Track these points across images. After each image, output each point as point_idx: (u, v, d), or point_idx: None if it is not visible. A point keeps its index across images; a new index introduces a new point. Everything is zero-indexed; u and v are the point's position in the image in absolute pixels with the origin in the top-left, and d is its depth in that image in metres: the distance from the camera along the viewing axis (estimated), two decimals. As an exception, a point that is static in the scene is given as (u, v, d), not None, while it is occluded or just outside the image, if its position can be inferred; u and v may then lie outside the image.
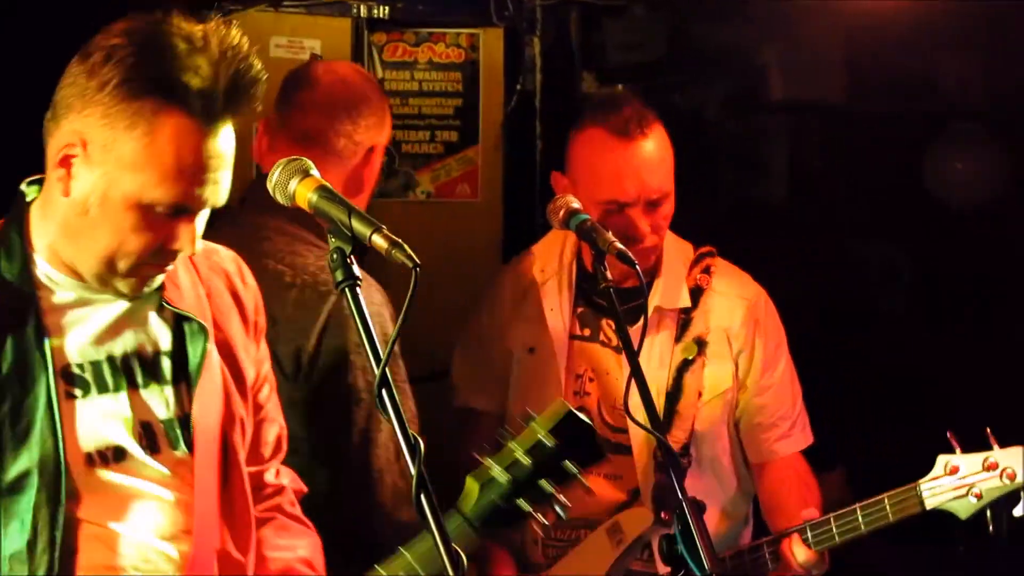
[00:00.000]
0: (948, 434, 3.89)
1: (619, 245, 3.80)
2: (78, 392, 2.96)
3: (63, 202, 2.92)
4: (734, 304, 4.41)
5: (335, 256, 2.74)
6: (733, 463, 4.50)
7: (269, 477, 3.43)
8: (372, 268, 2.98)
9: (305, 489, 3.58)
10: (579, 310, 4.45)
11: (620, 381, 4.31)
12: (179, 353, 3.10)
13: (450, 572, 2.59)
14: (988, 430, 3.85)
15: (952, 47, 5.81)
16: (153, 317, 3.09)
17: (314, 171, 2.83)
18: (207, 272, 3.24)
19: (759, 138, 6.55)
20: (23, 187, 3.06)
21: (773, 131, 6.56)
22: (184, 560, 3.03)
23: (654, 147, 4.26)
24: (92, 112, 2.86)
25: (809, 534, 4.07)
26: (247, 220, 3.80)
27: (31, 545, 2.86)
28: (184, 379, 3.09)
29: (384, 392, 2.64)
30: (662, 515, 4.07)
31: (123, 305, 3.06)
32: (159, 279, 3.03)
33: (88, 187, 2.88)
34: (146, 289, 3.02)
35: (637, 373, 3.69)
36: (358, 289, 2.74)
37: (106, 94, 2.85)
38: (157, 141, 2.85)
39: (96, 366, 3.00)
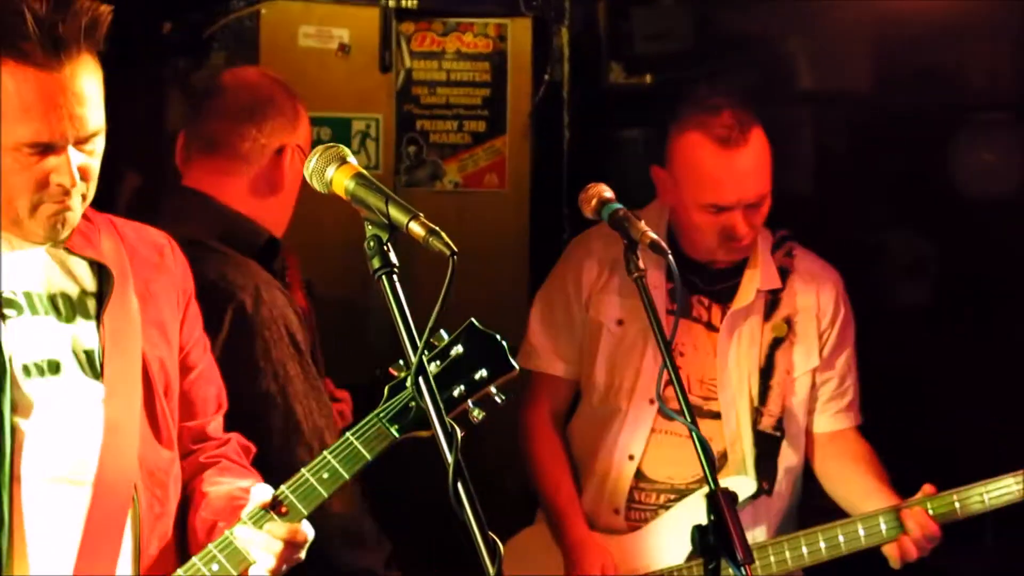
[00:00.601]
0: None
1: (651, 235, 3.71)
2: (12, 313, 3.06)
3: None
4: (819, 285, 4.49)
5: (372, 243, 2.72)
6: (803, 438, 4.56)
7: (213, 430, 3.50)
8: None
9: (254, 449, 3.62)
10: (669, 286, 4.44)
11: (710, 355, 4.44)
12: (101, 287, 3.19)
13: (487, 561, 2.56)
14: None
15: (981, 38, 5.73)
16: (77, 265, 3.18)
17: (351, 158, 2.81)
18: (133, 240, 3.33)
19: (785, 127, 6.26)
20: None
21: (799, 121, 6.50)
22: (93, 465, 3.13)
23: (753, 154, 4.33)
24: None
25: (930, 506, 4.18)
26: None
27: None
28: (97, 314, 3.19)
29: (421, 380, 2.63)
30: (763, 485, 4.22)
31: (44, 254, 3.15)
32: (70, 220, 3.08)
33: None
34: (62, 231, 3.09)
35: (670, 360, 3.55)
36: (395, 277, 2.70)
37: None
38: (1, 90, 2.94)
39: (28, 295, 3.11)
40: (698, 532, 3.33)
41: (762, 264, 4.44)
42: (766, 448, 4.40)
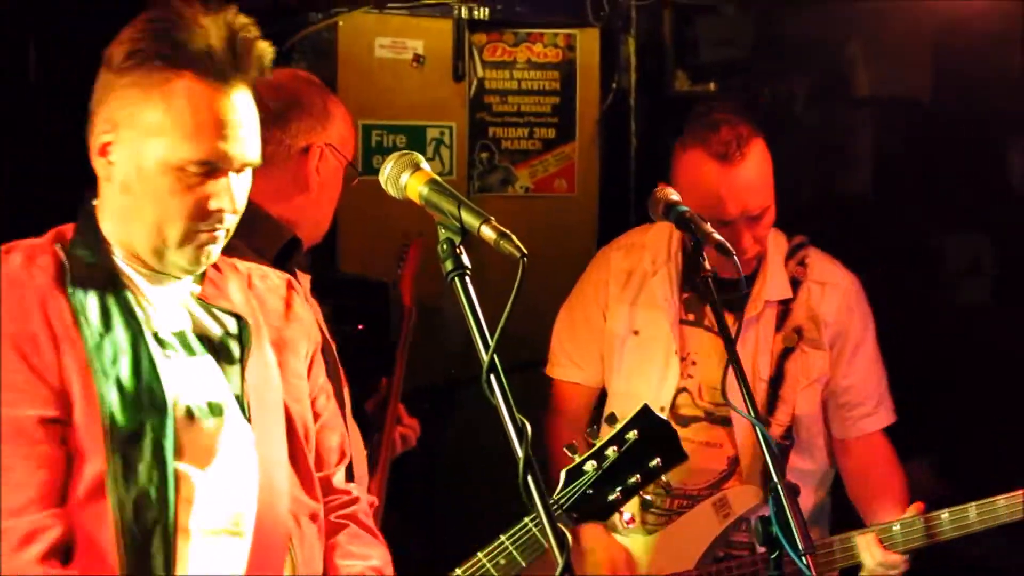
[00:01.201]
0: None
1: (717, 236, 3.77)
2: (170, 353, 2.99)
3: (111, 190, 2.99)
4: (829, 293, 4.39)
5: (445, 247, 2.71)
6: (824, 443, 4.48)
7: (337, 482, 3.42)
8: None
9: (376, 502, 3.66)
10: (685, 296, 4.44)
11: (721, 363, 4.25)
12: (241, 337, 3.12)
13: (556, 550, 2.52)
14: None
15: None
16: (213, 312, 3.12)
17: (424, 165, 2.83)
18: (261, 289, 3.28)
19: (844, 131, 6.50)
20: (91, 200, 3.08)
21: (858, 125, 6.49)
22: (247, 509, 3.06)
23: (753, 167, 4.26)
24: (115, 96, 2.92)
25: (915, 531, 4.08)
26: None
27: (152, 490, 2.86)
28: (243, 360, 3.12)
29: (492, 378, 2.59)
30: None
31: (179, 292, 3.09)
32: (213, 254, 3.03)
33: (126, 165, 2.93)
34: (203, 265, 3.05)
35: (734, 358, 3.58)
36: (467, 278, 2.69)
37: (121, 76, 2.91)
38: (173, 104, 2.89)
39: (181, 336, 3.04)
40: (761, 523, 3.32)
41: (771, 275, 4.39)
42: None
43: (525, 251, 2.61)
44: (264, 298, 3.27)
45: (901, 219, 6.06)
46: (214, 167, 2.93)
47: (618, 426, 3.24)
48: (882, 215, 6.13)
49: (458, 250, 2.70)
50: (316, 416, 3.34)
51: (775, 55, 6.40)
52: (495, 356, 2.62)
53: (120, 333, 2.92)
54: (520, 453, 2.56)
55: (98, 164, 2.98)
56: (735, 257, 3.76)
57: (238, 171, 2.99)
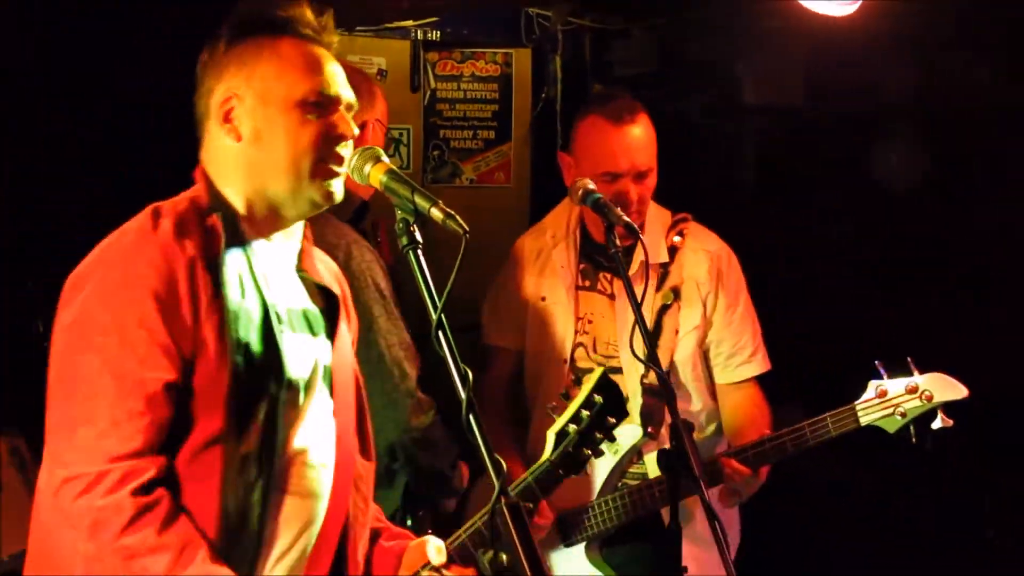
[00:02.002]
0: (876, 363, 3.89)
1: (626, 218, 3.86)
2: (284, 325, 2.96)
3: (238, 148, 2.98)
4: (701, 258, 4.43)
5: (400, 225, 2.77)
6: (704, 387, 4.52)
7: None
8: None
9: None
10: (582, 266, 4.47)
11: (612, 321, 4.39)
12: (329, 311, 3.13)
13: (494, 475, 2.55)
14: (909, 359, 3.86)
15: (889, 61, 5.82)
16: (310, 285, 3.12)
17: (384, 158, 2.89)
18: (323, 266, 3.25)
19: (733, 135, 6.61)
20: (203, 172, 3.06)
21: (745, 130, 6.60)
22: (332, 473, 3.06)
23: (641, 130, 4.32)
24: (228, 68, 2.98)
25: (750, 453, 4.08)
26: None
27: (260, 451, 2.87)
28: (329, 333, 3.11)
29: (440, 334, 2.64)
30: (649, 430, 4.07)
31: (289, 263, 3.09)
32: (337, 189, 3.01)
33: (253, 118, 2.96)
34: (335, 194, 3.02)
35: (640, 317, 3.67)
36: (419, 251, 2.74)
37: (231, 53, 2.99)
38: (283, 54, 2.96)
39: (289, 312, 3.01)
40: (660, 455, 3.42)
41: (648, 242, 4.10)
42: (653, 399, 4.19)
43: (467, 228, 2.69)
44: (327, 271, 3.24)
45: (779, 206, 6.18)
46: (327, 100, 2.97)
47: (585, 391, 3.26)
48: (763, 203, 6.26)
49: (412, 228, 2.75)
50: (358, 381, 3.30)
51: (676, 72, 6.44)
52: (442, 316, 2.65)
53: (253, 303, 2.90)
54: (463, 395, 2.58)
55: (218, 132, 2.99)
56: (640, 235, 3.88)
57: (346, 109, 3.02)
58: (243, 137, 2.97)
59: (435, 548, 3.12)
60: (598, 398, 3.25)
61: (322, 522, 3.02)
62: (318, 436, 3.02)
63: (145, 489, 2.73)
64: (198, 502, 2.82)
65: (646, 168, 4.33)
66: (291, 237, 3.11)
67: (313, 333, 3.06)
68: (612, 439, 3.34)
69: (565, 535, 4.23)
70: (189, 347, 2.81)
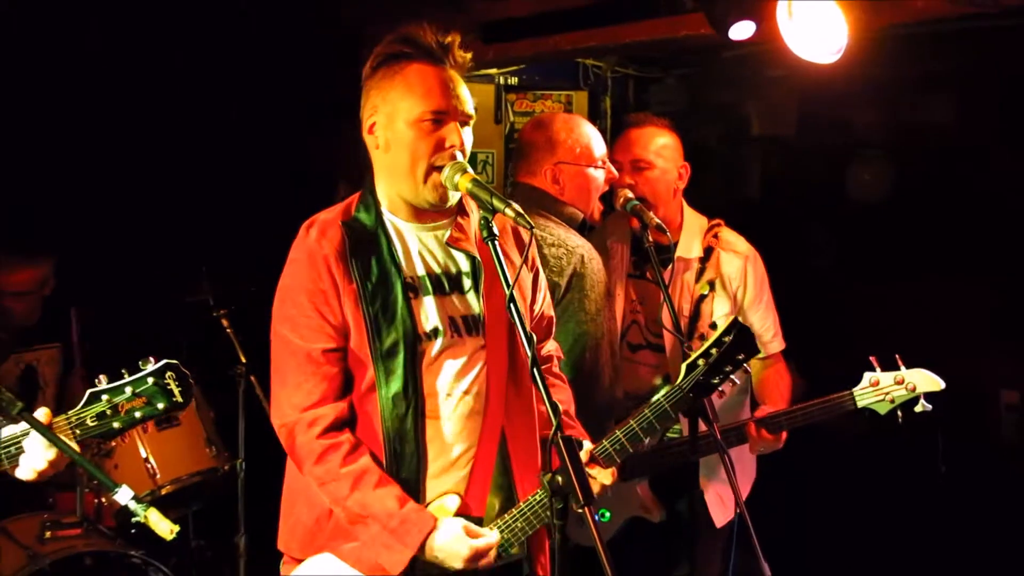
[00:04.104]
0: (871, 358, 3.83)
1: (656, 220, 3.90)
2: (418, 291, 3.02)
3: (379, 155, 3.03)
4: (733, 258, 4.25)
5: (483, 222, 2.79)
6: None
7: (546, 350, 3.36)
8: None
9: (563, 356, 3.51)
10: (633, 259, 4.29)
11: (657, 303, 4.22)
12: (474, 273, 3.10)
13: (552, 415, 2.55)
14: (897, 356, 3.81)
15: (864, 101, 5.76)
16: (454, 251, 3.10)
17: (470, 170, 2.89)
18: (502, 227, 3.18)
19: (742, 159, 6.57)
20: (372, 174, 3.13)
21: (753, 155, 6.55)
22: (483, 403, 3.07)
23: (648, 133, 4.25)
24: (372, 92, 3.00)
25: (781, 420, 3.97)
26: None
27: (405, 387, 2.95)
28: (475, 290, 3.09)
29: (511, 305, 2.68)
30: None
31: (435, 237, 3.09)
32: (451, 193, 2.99)
33: (386, 132, 2.98)
34: (450, 198, 3.01)
35: (668, 298, 3.75)
36: (496, 242, 2.77)
37: (374, 79, 3.00)
38: (409, 79, 2.94)
39: (423, 278, 3.04)
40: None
41: (684, 241, 4.21)
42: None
43: (533, 225, 2.73)
44: (507, 230, 3.20)
45: (777, 215, 6.12)
46: (442, 115, 2.93)
47: (718, 332, 3.14)
48: (767, 213, 6.18)
49: (491, 224, 2.77)
50: (534, 307, 3.27)
51: (699, 109, 6.41)
52: (513, 292, 2.69)
53: (383, 280, 2.96)
54: (529, 353, 2.61)
55: (369, 141, 3.05)
56: (668, 233, 3.90)
57: (462, 122, 2.98)
58: (380, 146, 3.01)
59: (583, 450, 3.08)
60: (727, 339, 3.13)
61: (478, 439, 3.04)
62: (457, 372, 3.04)
63: (328, 431, 2.95)
64: (369, 432, 2.98)
65: (644, 163, 4.19)
66: (441, 219, 3.11)
67: (459, 291, 3.08)
68: (743, 370, 3.21)
69: (623, 472, 4.08)
70: (339, 321, 2.96)
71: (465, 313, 3.06)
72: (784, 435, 3.97)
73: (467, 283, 3.08)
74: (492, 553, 2.98)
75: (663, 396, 3.15)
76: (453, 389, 3.02)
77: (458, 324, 3.05)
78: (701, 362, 3.14)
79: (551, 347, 3.41)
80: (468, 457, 3.04)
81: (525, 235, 3.22)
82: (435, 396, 3.01)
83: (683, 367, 3.16)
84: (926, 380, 3.80)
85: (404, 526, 2.91)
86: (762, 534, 3.39)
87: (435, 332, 3.01)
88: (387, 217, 3.05)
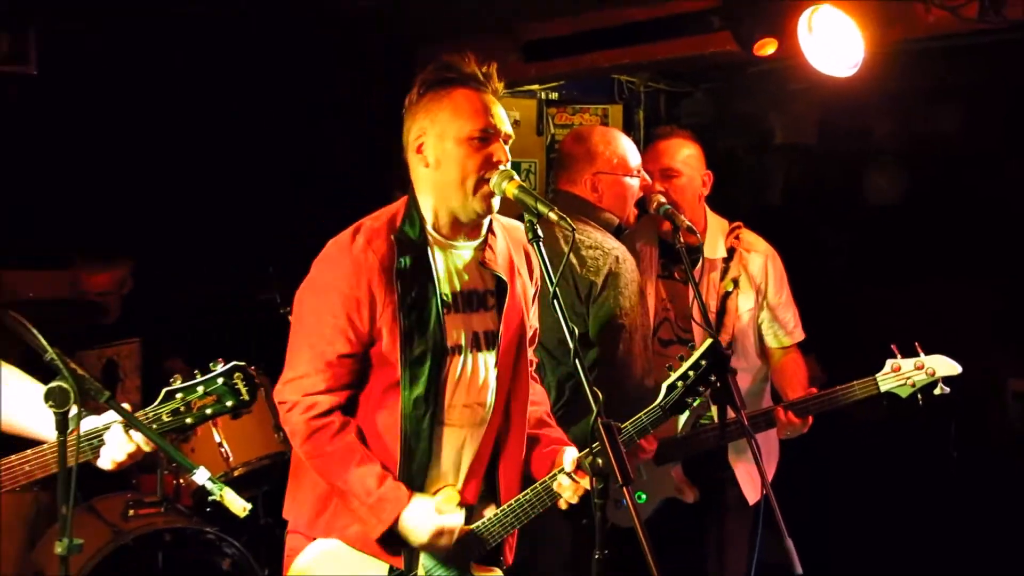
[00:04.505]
0: (892, 347, 3.82)
1: (687, 222, 3.92)
2: (449, 308, 3.02)
3: (427, 173, 3.00)
4: (756, 257, 4.23)
5: (528, 224, 2.83)
6: (755, 351, 4.30)
7: (531, 354, 3.32)
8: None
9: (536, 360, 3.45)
10: (662, 260, 4.26)
11: (686, 302, 4.18)
12: (499, 292, 3.10)
13: (592, 402, 2.60)
14: (917, 344, 3.80)
15: (879, 111, 5.76)
16: (482, 270, 3.10)
17: (516, 177, 2.91)
18: (515, 241, 3.20)
19: (767, 166, 6.53)
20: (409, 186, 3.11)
21: (776, 162, 6.51)
22: (489, 413, 3.10)
23: (673, 145, 4.25)
24: (419, 112, 3.00)
25: (808, 404, 3.96)
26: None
27: (427, 393, 2.97)
28: (499, 309, 3.09)
29: (555, 302, 2.71)
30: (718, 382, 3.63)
31: (468, 256, 3.08)
32: (495, 202, 3.00)
33: (435, 150, 2.97)
34: (491, 209, 3.01)
35: (698, 295, 3.82)
36: (541, 244, 2.81)
37: (422, 101, 3.00)
38: (457, 102, 2.96)
39: (454, 296, 3.04)
40: (715, 393, 3.26)
41: (709, 243, 4.20)
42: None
43: (574, 227, 2.75)
44: (512, 249, 3.18)
45: (798, 217, 6.09)
46: (488, 134, 2.94)
47: (696, 355, 3.12)
48: (788, 216, 6.13)
49: (536, 226, 2.82)
50: (527, 320, 3.25)
51: (726, 121, 6.38)
52: (556, 289, 2.71)
53: (421, 296, 2.96)
54: (572, 345, 2.64)
55: (415, 160, 3.02)
56: (698, 235, 3.94)
57: (504, 140, 2.99)
58: (429, 164, 2.98)
59: (570, 457, 3.07)
60: (703, 362, 3.11)
61: (478, 446, 3.09)
62: (473, 384, 3.05)
63: (320, 416, 2.96)
64: (388, 425, 2.99)
65: (672, 172, 4.19)
66: (474, 239, 3.09)
67: (485, 308, 3.08)
68: (714, 391, 3.20)
69: (658, 457, 4.08)
70: (364, 330, 2.95)
71: (485, 329, 3.08)
72: (810, 419, 3.96)
73: (491, 301, 3.09)
74: (455, 533, 3.01)
75: (644, 415, 3.17)
76: (468, 399, 3.05)
77: (479, 339, 3.07)
78: (679, 384, 3.14)
79: (531, 354, 3.37)
80: (468, 458, 3.10)
81: (534, 257, 3.21)
82: (451, 408, 3.04)
83: (664, 387, 3.15)
84: (944, 365, 3.78)
85: (380, 503, 2.95)
86: (786, 513, 3.38)
87: (459, 347, 3.03)
88: (430, 233, 3.04)
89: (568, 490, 3.03)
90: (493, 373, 3.09)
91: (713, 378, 3.13)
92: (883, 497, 5.69)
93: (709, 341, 3.16)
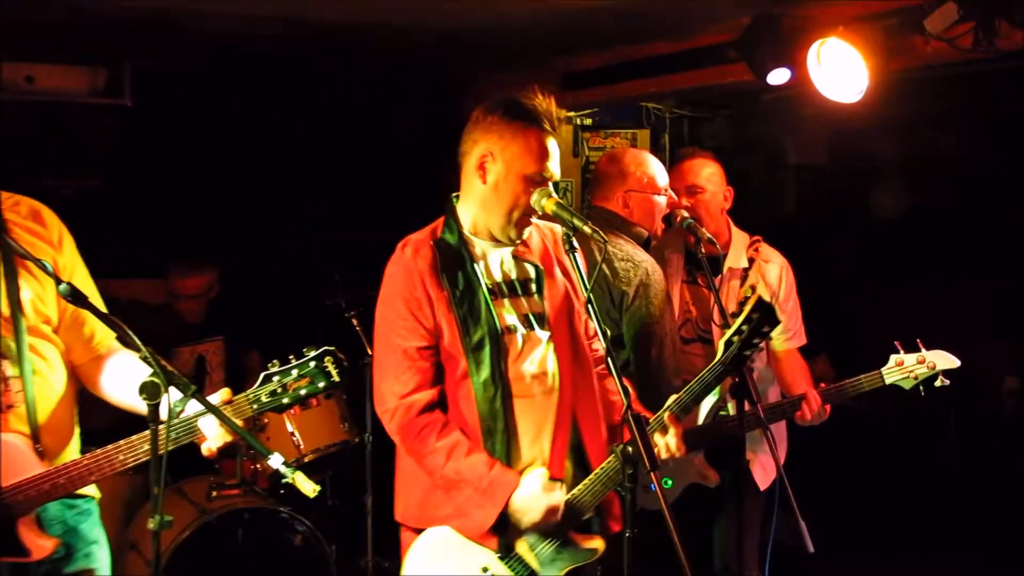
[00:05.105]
0: (896, 343, 3.75)
1: (708, 234, 3.88)
2: (497, 295, 3.00)
3: (482, 188, 2.97)
4: (771, 268, 4.13)
5: (565, 237, 2.84)
6: (765, 352, 4.20)
7: (595, 345, 3.22)
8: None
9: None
10: (687, 267, 4.19)
11: (707, 304, 4.12)
12: (537, 278, 3.05)
13: (623, 394, 2.60)
14: (918, 340, 3.74)
15: (884, 133, 5.68)
16: (522, 262, 3.07)
17: (554, 194, 2.89)
18: (550, 236, 3.13)
19: (780, 183, 6.53)
20: (452, 197, 3.09)
21: (788, 180, 6.51)
22: (556, 383, 3.03)
23: (696, 165, 4.19)
24: (491, 133, 2.95)
25: (830, 392, 3.85)
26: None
27: (492, 374, 2.93)
28: (539, 291, 3.05)
29: (589, 306, 2.71)
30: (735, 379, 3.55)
31: (507, 252, 3.05)
32: (528, 229, 3.00)
33: (496, 175, 2.94)
34: (524, 235, 3.00)
35: (718, 300, 3.81)
36: (577, 254, 2.84)
37: (499, 121, 2.95)
38: (530, 142, 2.92)
39: (500, 284, 3.02)
40: (734, 387, 3.23)
41: (733, 255, 4.12)
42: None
43: (606, 239, 2.75)
44: (547, 242, 3.13)
45: (809, 231, 6.08)
46: (544, 178, 2.92)
47: (746, 310, 3.03)
48: (800, 229, 6.12)
49: (571, 239, 2.83)
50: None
51: (743, 143, 6.37)
52: (591, 295, 2.74)
53: (468, 288, 2.95)
54: (604, 344, 2.65)
55: (473, 173, 2.98)
56: (717, 245, 3.92)
57: (552, 183, 2.96)
58: (486, 183, 2.95)
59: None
60: (755, 315, 3.02)
61: (554, 415, 3.01)
62: (532, 358, 3.00)
63: (422, 412, 2.94)
64: (467, 412, 2.95)
65: (697, 188, 4.13)
66: (510, 241, 3.05)
67: (528, 294, 3.04)
68: (769, 339, 3.15)
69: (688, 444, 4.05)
70: (431, 325, 2.94)
71: (534, 311, 3.03)
72: (828, 408, 3.90)
73: (532, 287, 3.05)
74: (560, 510, 2.92)
75: (707, 371, 3.11)
76: (530, 373, 2.99)
77: (531, 319, 3.02)
78: (735, 339, 3.07)
79: (601, 348, 3.26)
80: (548, 429, 3.01)
81: (604, 250, 3.14)
82: (518, 380, 2.97)
83: (720, 344, 3.10)
84: (944, 359, 3.73)
85: (492, 487, 2.89)
86: (799, 496, 3.36)
87: (513, 327, 2.99)
88: (467, 236, 3.02)
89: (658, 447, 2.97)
90: (551, 346, 3.02)
91: (766, 329, 3.05)
92: (887, 484, 5.65)
93: (756, 296, 3.08)
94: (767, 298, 3.11)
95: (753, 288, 4.06)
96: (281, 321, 5.43)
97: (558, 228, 2.78)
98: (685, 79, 5.15)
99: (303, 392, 2.77)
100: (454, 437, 2.93)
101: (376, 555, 5.11)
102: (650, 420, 3.02)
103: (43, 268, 2.50)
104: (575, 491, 2.99)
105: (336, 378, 2.78)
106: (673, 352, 3.80)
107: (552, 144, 2.96)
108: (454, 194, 3.09)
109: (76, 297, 2.47)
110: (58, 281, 2.47)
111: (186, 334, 5.07)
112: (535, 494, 2.90)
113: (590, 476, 2.99)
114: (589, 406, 3.08)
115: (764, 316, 3.06)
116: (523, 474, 2.94)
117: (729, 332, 3.10)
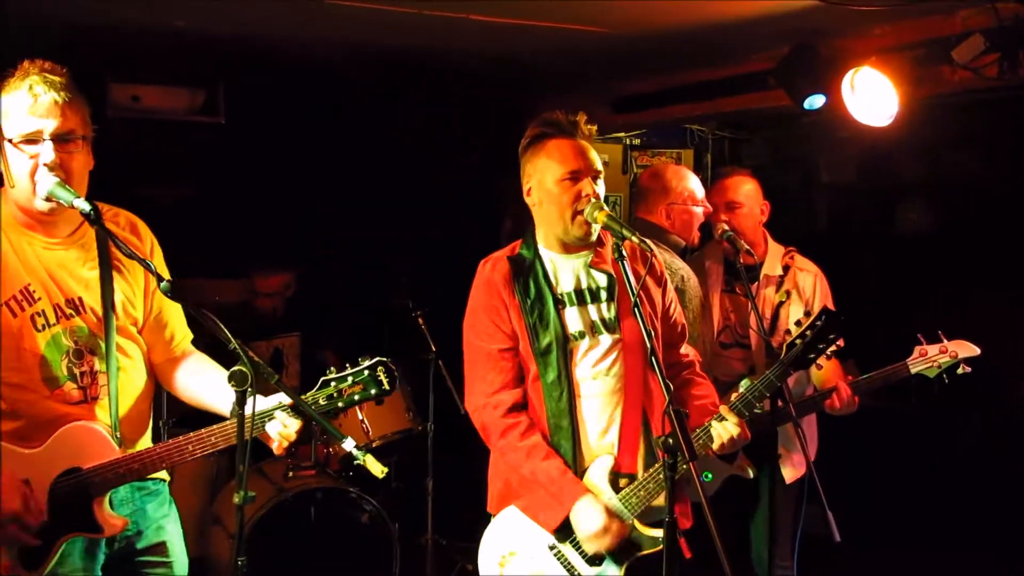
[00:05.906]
0: (919, 335, 3.76)
1: (746, 246, 3.87)
2: (565, 304, 3.00)
3: (537, 210, 3.04)
4: (806, 276, 4.11)
5: (615, 246, 2.80)
6: None
7: (682, 351, 3.22)
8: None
9: (700, 359, 3.29)
10: (725, 277, 4.19)
11: (745, 311, 4.09)
12: (610, 287, 3.04)
13: (666, 392, 2.54)
14: (940, 332, 3.73)
15: (911, 154, 5.64)
16: (594, 271, 3.04)
17: (606, 207, 2.88)
18: (630, 251, 3.07)
19: (813, 202, 6.46)
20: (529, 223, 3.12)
21: (822, 198, 6.44)
22: (622, 382, 3.01)
23: (735, 182, 4.16)
24: (526, 163, 3.03)
25: (859, 384, 3.81)
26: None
27: (559, 376, 2.95)
28: (612, 299, 3.03)
29: (636, 310, 2.70)
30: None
31: (580, 263, 3.05)
32: (595, 228, 2.95)
33: (539, 192, 3.00)
34: (590, 235, 2.98)
35: (755, 307, 3.79)
36: (625, 263, 2.77)
37: (528, 146, 3.02)
38: (550, 151, 2.96)
39: (569, 294, 3.02)
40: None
41: (769, 263, 4.09)
42: (772, 361, 3.71)
43: (654, 248, 2.77)
44: (633, 253, 3.09)
45: (841, 244, 6.00)
46: (577, 174, 2.92)
47: (812, 317, 3.03)
48: (833, 241, 6.06)
49: (622, 248, 2.77)
50: (668, 316, 3.14)
51: (780, 162, 6.33)
52: (636, 300, 2.73)
53: (540, 296, 2.97)
54: (648, 345, 2.62)
55: (528, 200, 3.05)
56: (754, 255, 3.91)
57: (593, 177, 2.95)
58: (536, 204, 3.02)
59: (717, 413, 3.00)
60: (819, 322, 3.01)
61: (622, 411, 2.99)
62: (598, 361, 2.99)
63: (508, 412, 2.97)
64: (539, 411, 2.97)
65: (735, 204, 4.12)
66: (583, 250, 3.06)
67: (597, 301, 3.02)
68: (830, 346, 3.06)
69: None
70: (509, 329, 2.97)
71: (603, 317, 3.01)
72: (857, 399, 3.85)
73: (604, 294, 3.04)
74: (618, 538, 2.90)
75: (771, 372, 3.08)
76: (597, 374, 2.98)
77: (597, 325, 3.00)
78: (799, 342, 3.06)
79: (691, 352, 3.25)
80: (615, 426, 2.99)
81: (652, 258, 3.14)
82: (584, 380, 2.98)
83: (784, 347, 3.07)
84: (965, 348, 3.70)
85: (560, 491, 2.91)
86: (827, 488, 3.33)
87: (579, 334, 2.98)
88: (542, 251, 3.05)
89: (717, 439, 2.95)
90: (618, 348, 2.99)
91: (832, 336, 3.02)
92: (912, 478, 5.59)
93: (824, 307, 3.08)
94: (836, 309, 3.09)
95: (788, 293, 4.10)
96: (353, 320, 5.49)
97: (634, 239, 2.75)
98: (728, 103, 5.14)
99: (356, 397, 2.79)
100: (534, 439, 2.95)
101: (435, 533, 5.13)
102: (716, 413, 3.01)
103: (148, 268, 2.56)
104: (625, 491, 2.97)
105: (387, 387, 2.80)
106: (705, 355, 3.74)
107: (574, 144, 2.95)
108: None
109: (176, 293, 2.52)
110: (159, 279, 2.53)
111: (264, 329, 5.13)
112: (596, 510, 2.90)
113: (648, 471, 2.98)
114: (660, 404, 3.00)
115: (829, 323, 3.04)
116: (589, 466, 2.97)
117: (793, 335, 3.09)
